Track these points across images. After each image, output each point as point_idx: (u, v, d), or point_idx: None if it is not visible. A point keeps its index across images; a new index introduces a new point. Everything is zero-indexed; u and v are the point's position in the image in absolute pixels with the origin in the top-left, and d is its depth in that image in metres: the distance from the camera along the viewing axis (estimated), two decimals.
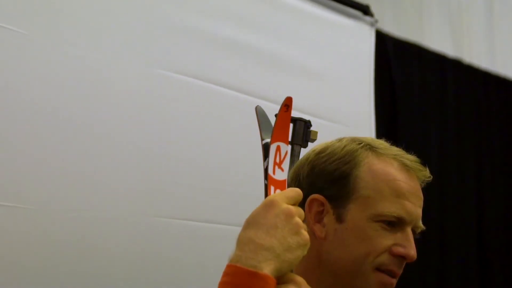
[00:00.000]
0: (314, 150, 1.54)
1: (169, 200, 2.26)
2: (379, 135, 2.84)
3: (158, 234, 2.22)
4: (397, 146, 1.55)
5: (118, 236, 2.15)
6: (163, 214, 2.24)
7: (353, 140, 1.53)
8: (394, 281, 1.47)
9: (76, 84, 2.12)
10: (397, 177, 1.46)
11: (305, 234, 1.24)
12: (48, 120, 2.05)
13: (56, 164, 2.05)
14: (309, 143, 1.47)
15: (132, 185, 2.19)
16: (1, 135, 1.97)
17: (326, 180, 1.48)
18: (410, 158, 1.51)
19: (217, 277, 1.22)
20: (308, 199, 1.48)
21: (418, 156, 1.53)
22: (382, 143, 1.54)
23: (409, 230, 1.46)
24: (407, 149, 1.54)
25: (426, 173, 1.51)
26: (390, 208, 1.43)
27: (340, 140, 1.55)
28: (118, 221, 2.15)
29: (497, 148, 4.10)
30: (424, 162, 1.53)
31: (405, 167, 1.48)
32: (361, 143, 1.51)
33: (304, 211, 1.30)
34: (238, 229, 1.26)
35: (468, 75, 4.00)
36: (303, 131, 1.44)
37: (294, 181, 1.52)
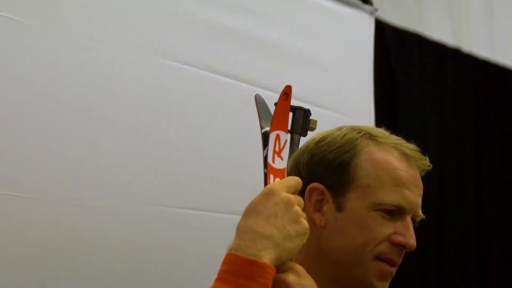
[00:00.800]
0: (313, 139, 1.54)
1: (170, 189, 2.26)
2: (378, 124, 2.84)
3: (157, 223, 2.22)
4: (396, 135, 1.55)
5: (117, 225, 2.15)
6: (163, 203, 2.24)
7: (353, 129, 1.53)
8: (394, 270, 1.47)
9: (78, 73, 2.11)
10: (397, 166, 1.46)
11: (304, 222, 1.25)
12: (48, 109, 2.04)
13: (55, 152, 2.04)
14: (309, 132, 1.46)
15: (132, 174, 2.19)
16: (0, 124, 1.97)
17: (326, 169, 1.48)
18: (410, 147, 1.51)
19: (217, 265, 1.22)
20: (308, 187, 1.48)
21: (418, 145, 1.53)
22: (382, 132, 1.54)
23: (408, 219, 1.46)
24: (407, 138, 1.54)
25: (425, 162, 1.51)
26: (390, 197, 1.43)
27: (340, 128, 1.55)
28: (118, 210, 2.15)
29: (496, 136, 4.10)
30: (423, 151, 1.53)
31: (405, 156, 1.48)
32: (361, 132, 1.51)
33: (303, 200, 1.30)
34: (238, 218, 1.26)
35: (467, 63, 3.99)
36: (302, 120, 1.44)
37: (293, 170, 1.52)
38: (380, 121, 2.96)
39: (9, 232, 1.94)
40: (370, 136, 1.50)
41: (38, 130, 2.02)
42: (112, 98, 2.17)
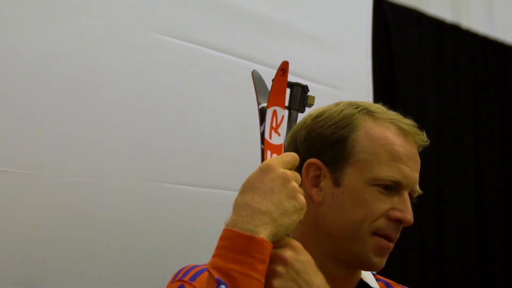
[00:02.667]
0: (311, 115, 1.54)
1: (168, 166, 2.26)
2: (376, 99, 2.83)
3: (156, 199, 2.22)
4: (394, 110, 1.55)
5: (117, 201, 2.15)
6: (161, 180, 2.24)
7: (350, 104, 1.53)
8: (391, 245, 1.47)
9: (73, 49, 2.10)
10: (394, 141, 1.46)
11: (301, 198, 1.25)
12: (44, 85, 2.04)
13: (54, 129, 2.04)
14: (306, 108, 1.46)
15: (131, 150, 2.19)
16: None
17: (323, 145, 1.48)
18: (407, 122, 1.50)
19: (215, 241, 1.23)
20: (305, 163, 1.48)
21: (416, 121, 1.53)
22: (379, 108, 1.53)
23: (406, 194, 1.46)
24: (405, 114, 1.54)
25: (423, 137, 1.51)
26: (387, 172, 1.44)
27: (337, 104, 1.54)
28: (117, 187, 2.15)
29: (495, 112, 4.10)
30: (421, 127, 1.53)
31: (402, 131, 1.48)
32: (358, 108, 1.51)
33: (301, 175, 1.30)
34: (235, 194, 1.26)
35: (466, 40, 3.98)
36: (300, 96, 1.44)
37: (291, 145, 1.52)
38: (378, 97, 2.95)
39: (5, 209, 1.94)
40: (367, 111, 1.50)
41: (33, 106, 2.02)
42: (107, 74, 2.17)
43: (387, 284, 1.60)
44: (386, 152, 1.45)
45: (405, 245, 3.18)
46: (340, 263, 1.48)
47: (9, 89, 1.98)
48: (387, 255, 1.48)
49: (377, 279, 1.59)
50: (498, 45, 4.18)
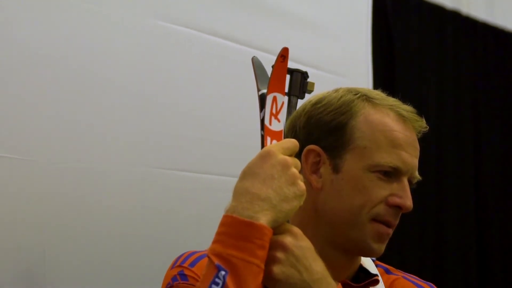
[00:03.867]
0: (310, 101, 1.54)
1: (167, 151, 2.26)
2: (376, 86, 2.83)
3: (155, 185, 2.23)
4: (394, 97, 1.55)
5: (115, 187, 2.15)
6: (161, 165, 2.24)
7: (350, 90, 1.53)
8: (391, 231, 1.48)
9: (74, 35, 2.10)
10: (394, 127, 1.47)
11: (301, 184, 1.25)
12: (44, 71, 2.03)
13: (52, 114, 2.04)
14: (306, 94, 1.46)
15: (130, 136, 2.19)
16: None
17: (323, 131, 1.48)
18: (407, 109, 1.51)
19: (214, 227, 1.23)
20: (305, 149, 1.48)
21: (415, 108, 1.53)
22: (379, 94, 1.54)
23: (405, 181, 1.46)
24: (404, 100, 1.54)
25: (422, 124, 1.51)
26: (386, 159, 1.44)
27: (336, 91, 1.55)
28: (115, 172, 2.15)
29: (494, 99, 4.10)
30: (420, 113, 1.53)
31: (401, 117, 1.48)
32: (358, 94, 1.51)
33: (300, 162, 1.30)
34: (235, 180, 1.26)
35: (466, 26, 3.97)
36: (300, 82, 1.43)
37: (290, 132, 1.52)
38: (378, 83, 2.95)
39: (6, 194, 1.95)
40: (366, 98, 1.50)
41: (34, 92, 2.02)
42: (107, 60, 2.16)
43: (386, 270, 1.61)
44: (386, 138, 1.45)
45: (404, 231, 3.18)
46: (339, 249, 1.48)
47: (10, 76, 1.98)
48: (387, 241, 1.49)
49: (376, 265, 1.59)
50: (498, 32, 4.17)
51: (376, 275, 1.54)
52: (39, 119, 2.01)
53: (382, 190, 1.44)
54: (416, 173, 1.49)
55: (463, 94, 3.89)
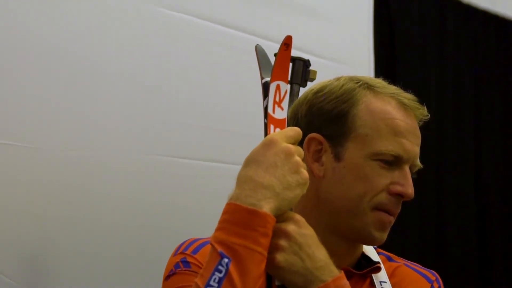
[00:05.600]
0: (312, 90, 1.54)
1: (168, 139, 2.27)
2: (377, 74, 2.84)
3: (157, 172, 2.23)
4: (395, 85, 1.55)
5: (116, 174, 2.16)
6: (163, 153, 2.25)
7: (351, 79, 1.53)
8: (392, 219, 1.48)
9: (74, 23, 2.11)
10: (395, 115, 1.47)
11: (304, 172, 1.26)
12: (46, 59, 2.04)
13: (53, 102, 2.04)
14: (308, 82, 1.46)
15: (131, 123, 2.20)
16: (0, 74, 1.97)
17: (324, 119, 1.48)
18: (408, 97, 1.51)
19: (217, 215, 1.24)
20: (306, 138, 1.48)
21: (416, 96, 1.53)
22: (380, 82, 1.53)
23: (406, 169, 1.47)
24: (406, 89, 1.54)
25: (423, 112, 1.51)
26: (388, 147, 1.44)
27: (338, 79, 1.55)
28: (117, 159, 2.16)
29: (495, 87, 4.09)
30: (421, 101, 1.53)
31: (402, 105, 1.48)
32: (359, 82, 1.51)
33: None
34: (238, 168, 1.27)
35: (467, 14, 3.96)
36: (302, 70, 1.43)
37: (292, 120, 1.52)
38: (379, 71, 2.95)
39: (9, 181, 1.95)
40: (368, 86, 1.50)
41: (35, 79, 2.02)
42: (108, 48, 2.17)
43: (388, 258, 1.61)
44: (387, 127, 1.45)
45: (405, 219, 3.18)
46: (341, 237, 1.48)
47: (11, 62, 1.98)
48: (388, 230, 1.49)
49: (378, 253, 1.60)
50: (499, 20, 4.16)
51: (378, 262, 1.54)
52: (42, 107, 2.02)
53: (383, 178, 1.44)
54: (418, 161, 1.49)
55: (464, 81, 3.89)
